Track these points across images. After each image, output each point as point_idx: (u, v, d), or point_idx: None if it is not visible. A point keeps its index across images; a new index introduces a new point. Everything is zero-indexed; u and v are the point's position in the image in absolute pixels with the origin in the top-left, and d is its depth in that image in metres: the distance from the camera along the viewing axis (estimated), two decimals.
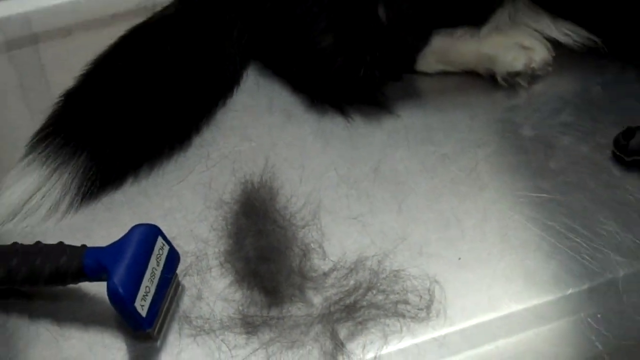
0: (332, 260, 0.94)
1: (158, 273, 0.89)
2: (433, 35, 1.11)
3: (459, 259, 0.94)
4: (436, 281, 0.92)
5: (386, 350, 0.87)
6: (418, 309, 0.90)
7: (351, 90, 1.10)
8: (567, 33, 1.12)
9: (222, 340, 0.89)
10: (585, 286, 0.91)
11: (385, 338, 0.88)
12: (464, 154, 1.05)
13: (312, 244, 0.95)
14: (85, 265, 0.88)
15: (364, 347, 0.87)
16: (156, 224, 0.92)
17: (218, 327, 0.90)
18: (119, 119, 1.06)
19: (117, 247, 0.89)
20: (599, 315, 0.89)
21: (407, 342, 0.88)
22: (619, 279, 0.91)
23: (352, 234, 0.97)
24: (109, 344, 0.90)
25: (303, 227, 0.97)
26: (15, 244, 0.92)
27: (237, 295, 0.92)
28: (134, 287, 0.86)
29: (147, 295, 0.87)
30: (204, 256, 0.96)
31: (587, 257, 0.93)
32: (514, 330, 0.89)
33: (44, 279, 0.89)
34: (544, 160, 1.03)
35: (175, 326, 0.91)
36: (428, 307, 0.90)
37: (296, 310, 0.90)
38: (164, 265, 0.90)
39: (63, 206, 1.00)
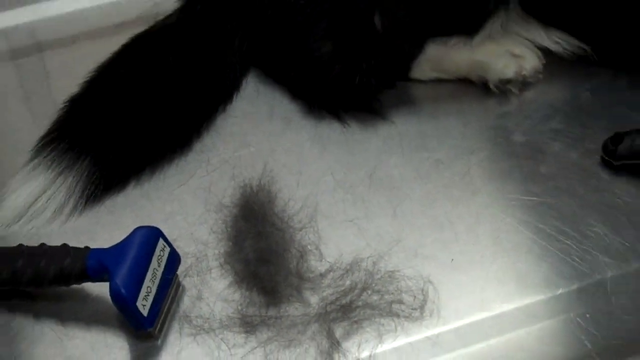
0: (328, 262, 0.94)
1: (159, 274, 0.89)
2: (427, 43, 1.12)
3: (452, 260, 0.95)
4: (430, 282, 0.92)
5: (381, 348, 0.87)
6: (412, 309, 0.90)
7: (347, 97, 1.10)
8: (557, 41, 1.12)
9: (221, 339, 0.89)
10: (575, 287, 0.91)
11: (380, 337, 0.88)
12: (457, 160, 1.05)
13: (309, 246, 0.96)
14: (89, 266, 0.88)
15: (359, 345, 0.87)
16: (158, 226, 0.92)
17: (217, 327, 0.90)
18: (122, 124, 1.06)
19: (120, 248, 0.89)
20: (587, 315, 0.89)
21: (401, 341, 0.88)
22: (607, 280, 0.92)
23: (348, 236, 0.97)
24: (111, 343, 0.90)
25: (300, 230, 0.97)
26: (20, 245, 0.92)
27: (236, 295, 0.92)
28: (136, 287, 0.86)
29: (148, 296, 0.87)
30: (204, 258, 0.96)
31: (576, 259, 0.94)
32: (506, 329, 0.89)
33: (48, 279, 0.89)
34: (534, 166, 1.03)
35: (175, 325, 0.91)
36: (422, 307, 0.90)
37: (293, 310, 0.90)
38: (165, 266, 0.90)
39: (67, 209, 1.01)
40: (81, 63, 1.13)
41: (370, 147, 1.07)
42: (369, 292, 0.91)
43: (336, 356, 0.87)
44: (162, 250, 0.90)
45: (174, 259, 0.92)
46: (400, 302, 0.90)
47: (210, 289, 0.93)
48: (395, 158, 1.06)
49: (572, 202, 0.99)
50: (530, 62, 1.11)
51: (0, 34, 1.30)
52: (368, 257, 0.94)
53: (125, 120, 1.06)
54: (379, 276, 0.92)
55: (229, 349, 0.88)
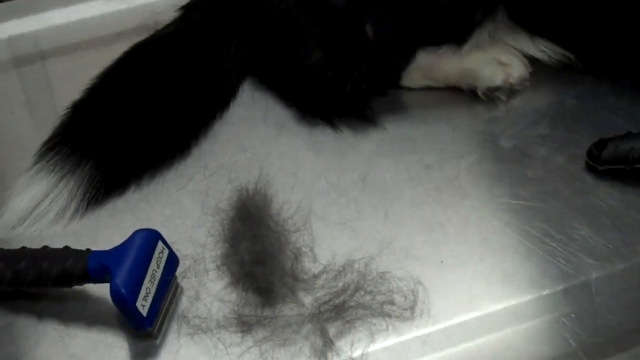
0: (322, 263, 0.94)
1: (158, 275, 0.89)
2: (417, 52, 1.12)
3: (442, 262, 0.95)
4: (420, 283, 0.92)
5: (373, 347, 0.87)
6: (403, 309, 0.90)
7: (340, 104, 1.10)
8: (543, 50, 1.12)
9: (218, 339, 0.89)
10: (560, 287, 0.91)
11: (372, 336, 0.88)
12: (446, 164, 1.05)
13: (303, 248, 0.96)
14: (90, 267, 0.88)
15: (352, 344, 0.87)
16: (157, 229, 0.92)
17: (215, 326, 0.90)
18: (123, 130, 1.06)
19: (120, 250, 0.89)
20: (573, 315, 0.89)
21: (392, 340, 0.88)
22: (591, 281, 0.92)
23: (341, 238, 0.97)
24: (111, 342, 0.90)
25: (295, 232, 0.97)
26: (24, 247, 0.92)
27: (233, 296, 0.92)
28: (136, 288, 0.86)
29: (147, 296, 0.87)
30: (201, 259, 0.96)
31: (562, 261, 0.94)
32: (493, 329, 0.89)
33: (50, 281, 0.89)
34: (521, 170, 1.03)
35: (174, 325, 0.91)
36: (412, 307, 0.90)
37: (288, 310, 0.90)
38: (164, 267, 0.90)
39: (69, 212, 1.01)
40: (83, 71, 1.13)
41: (363, 151, 1.08)
42: (362, 292, 0.91)
43: (329, 355, 0.87)
44: (161, 252, 0.90)
45: (172, 261, 0.92)
46: (392, 302, 0.90)
47: (208, 289, 0.93)
48: (387, 162, 1.06)
49: (557, 205, 0.99)
50: (517, 70, 1.11)
51: (4, 43, 1.30)
52: (360, 259, 0.94)
53: (125, 126, 1.07)
54: (371, 277, 0.92)
55: (226, 347, 0.88)
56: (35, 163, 1.03)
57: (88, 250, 0.90)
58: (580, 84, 1.13)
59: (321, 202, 1.01)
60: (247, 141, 1.10)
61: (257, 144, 1.09)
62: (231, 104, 1.15)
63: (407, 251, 0.95)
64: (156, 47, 1.14)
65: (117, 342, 0.90)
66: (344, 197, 1.02)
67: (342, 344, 0.88)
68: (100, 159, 1.03)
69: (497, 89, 1.11)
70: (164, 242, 0.92)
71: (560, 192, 1.00)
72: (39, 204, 1.01)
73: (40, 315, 0.93)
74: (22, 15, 1.33)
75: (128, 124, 1.07)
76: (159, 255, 0.90)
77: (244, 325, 0.89)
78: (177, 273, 0.93)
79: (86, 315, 0.92)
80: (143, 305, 0.86)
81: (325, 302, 0.90)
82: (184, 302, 0.93)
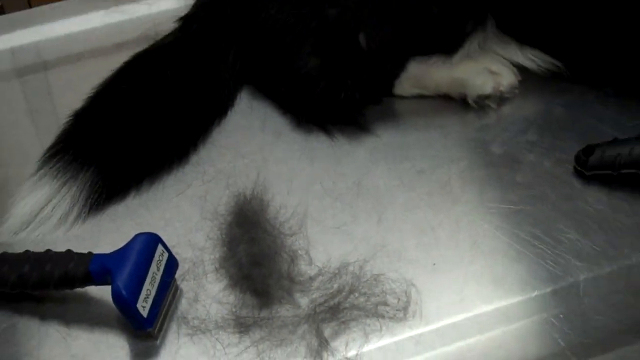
0: (317, 266, 0.94)
1: (158, 277, 0.89)
2: (409, 62, 1.12)
3: (434, 264, 0.95)
4: (413, 284, 0.92)
5: (367, 347, 0.87)
6: (396, 310, 0.90)
7: (334, 112, 1.10)
8: (532, 59, 1.13)
9: (216, 339, 0.89)
10: (549, 289, 0.92)
11: (366, 336, 0.88)
12: (438, 170, 1.05)
13: (299, 251, 0.96)
14: (92, 270, 0.88)
15: (346, 344, 0.88)
16: (157, 233, 0.92)
17: (213, 327, 0.90)
18: (123, 137, 1.06)
19: (121, 253, 0.89)
20: (561, 316, 0.89)
21: (386, 340, 0.88)
22: (579, 283, 0.92)
23: (336, 241, 0.97)
24: (113, 343, 0.90)
25: (291, 236, 0.98)
26: (27, 251, 0.92)
27: (231, 297, 0.92)
28: (136, 290, 0.86)
29: (148, 298, 0.87)
30: (200, 262, 0.96)
31: (550, 263, 0.94)
32: (484, 329, 0.89)
33: (53, 283, 0.90)
34: (511, 175, 1.04)
35: (173, 326, 0.91)
36: (405, 308, 0.90)
37: (284, 311, 0.90)
38: (164, 270, 0.90)
39: (71, 217, 1.01)
40: (84, 80, 1.13)
41: (357, 158, 1.08)
42: (356, 294, 0.91)
43: (325, 354, 0.87)
44: (161, 255, 0.91)
45: (172, 264, 0.92)
46: (385, 303, 0.90)
47: (206, 291, 0.93)
48: (380, 168, 1.06)
49: (546, 209, 0.99)
50: (507, 78, 1.12)
51: (7, 53, 1.30)
52: (355, 262, 0.94)
53: (126, 133, 1.07)
54: (365, 279, 0.92)
55: (224, 348, 0.88)
56: (38, 169, 1.03)
57: (90, 253, 0.90)
58: (568, 92, 1.13)
59: (316, 207, 1.02)
60: (244, 148, 1.10)
61: (254, 150, 1.10)
62: (229, 112, 1.15)
63: (400, 254, 0.96)
64: (156, 57, 1.15)
65: (118, 343, 0.90)
66: (338, 202, 1.02)
67: (337, 344, 0.88)
68: (102, 165, 1.04)
69: (487, 97, 1.12)
70: (164, 246, 0.92)
71: (549, 197, 1.01)
72: (42, 209, 1.01)
73: (43, 316, 0.93)
74: (25, 26, 1.34)
75: (128, 131, 1.07)
76: (159, 258, 0.90)
77: (242, 326, 0.89)
78: (176, 275, 0.93)
79: (88, 317, 0.92)
80: (143, 306, 0.87)
81: (320, 304, 0.90)
82: (183, 304, 0.93)
